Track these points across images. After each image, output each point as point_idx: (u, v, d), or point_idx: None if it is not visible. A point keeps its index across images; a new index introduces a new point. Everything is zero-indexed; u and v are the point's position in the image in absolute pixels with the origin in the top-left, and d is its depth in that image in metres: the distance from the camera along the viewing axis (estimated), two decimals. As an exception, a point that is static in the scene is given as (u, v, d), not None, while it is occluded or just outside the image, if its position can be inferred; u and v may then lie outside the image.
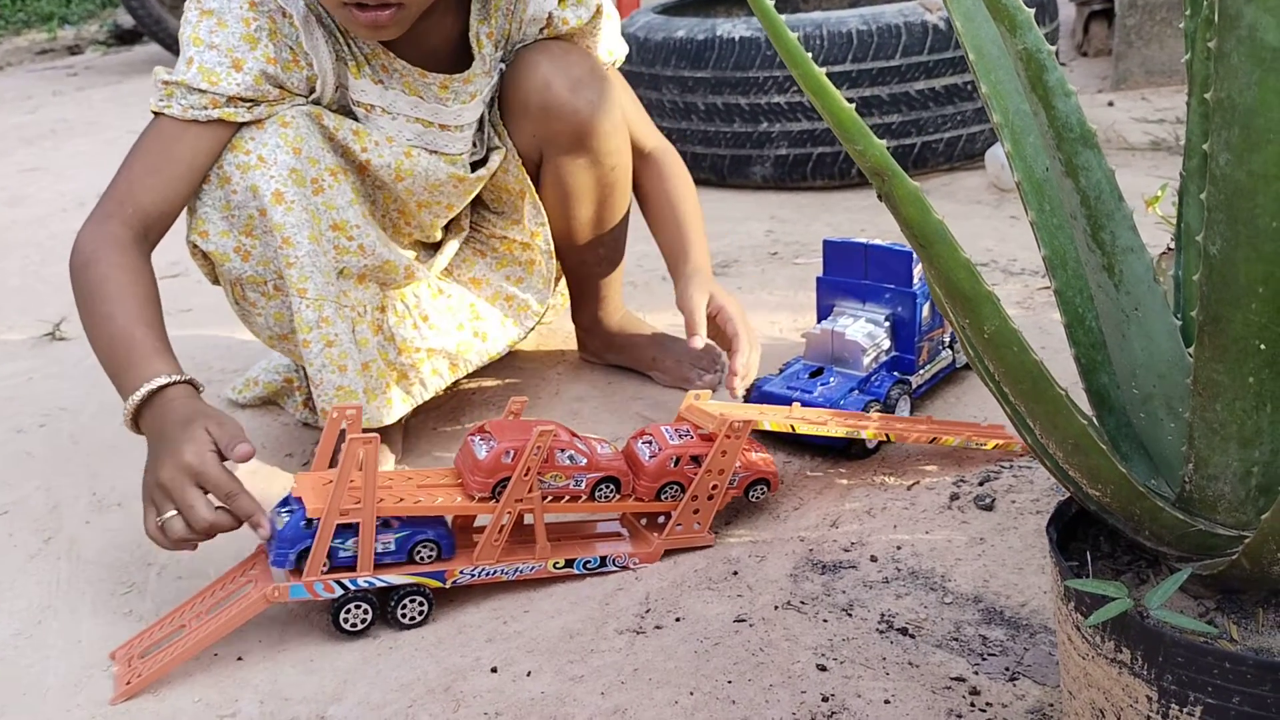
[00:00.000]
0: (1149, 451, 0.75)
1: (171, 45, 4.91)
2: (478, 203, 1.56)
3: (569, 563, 1.17)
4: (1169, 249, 1.34)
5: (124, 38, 6.13)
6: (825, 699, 0.96)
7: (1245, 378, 0.63)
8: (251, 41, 1.27)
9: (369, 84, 1.35)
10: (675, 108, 2.50)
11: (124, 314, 1.23)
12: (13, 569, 1.28)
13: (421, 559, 1.13)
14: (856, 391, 1.37)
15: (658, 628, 1.08)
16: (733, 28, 2.38)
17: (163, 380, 1.17)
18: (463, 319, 1.49)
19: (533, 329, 1.56)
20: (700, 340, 1.39)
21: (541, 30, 1.44)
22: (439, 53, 1.39)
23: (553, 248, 1.52)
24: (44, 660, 1.12)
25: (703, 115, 2.46)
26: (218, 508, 1.10)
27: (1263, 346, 0.61)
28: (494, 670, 1.04)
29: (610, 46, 1.51)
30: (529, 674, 1.03)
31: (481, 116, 1.46)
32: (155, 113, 1.29)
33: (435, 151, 1.41)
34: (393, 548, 1.12)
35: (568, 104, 1.42)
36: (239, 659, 1.09)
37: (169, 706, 1.03)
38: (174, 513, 1.10)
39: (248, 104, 1.28)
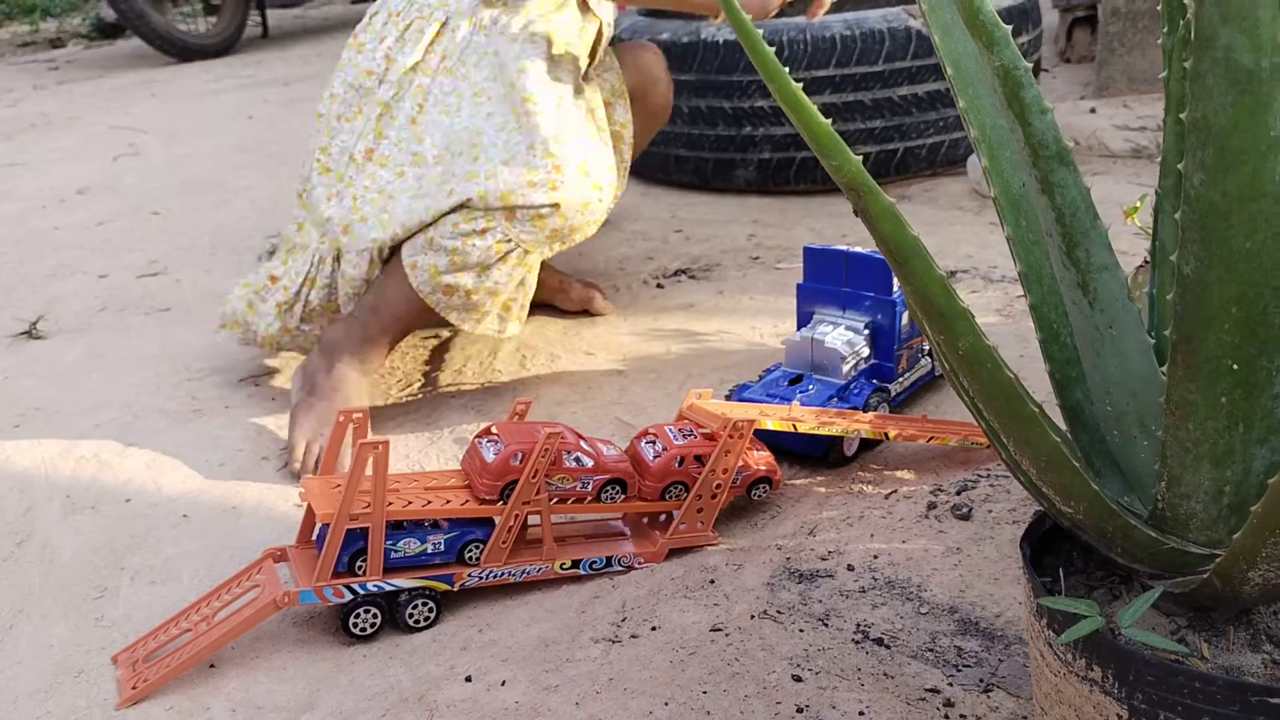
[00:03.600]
0: (1122, 468, 0.75)
1: (154, 40, 4.88)
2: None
3: (575, 563, 1.17)
4: (1146, 261, 1.35)
5: (106, 31, 6.09)
6: (800, 710, 0.95)
7: (1218, 397, 0.63)
8: None
9: None
10: (659, 110, 2.49)
11: None
12: (-16, 572, 1.27)
13: (471, 559, 1.13)
14: (836, 399, 1.37)
15: (634, 637, 1.08)
16: (717, 31, 2.38)
17: None
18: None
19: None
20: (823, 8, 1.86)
21: None
22: None
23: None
24: (15, 666, 1.11)
25: (686, 118, 2.45)
26: None
27: (1235, 367, 0.61)
28: (468, 679, 1.03)
29: None
30: (503, 683, 1.02)
31: None
32: None
33: None
34: (442, 548, 1.12)
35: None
36: (211, 666, 1.08)
37: (140, 713, 1.03)
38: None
39: None
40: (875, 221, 0.65)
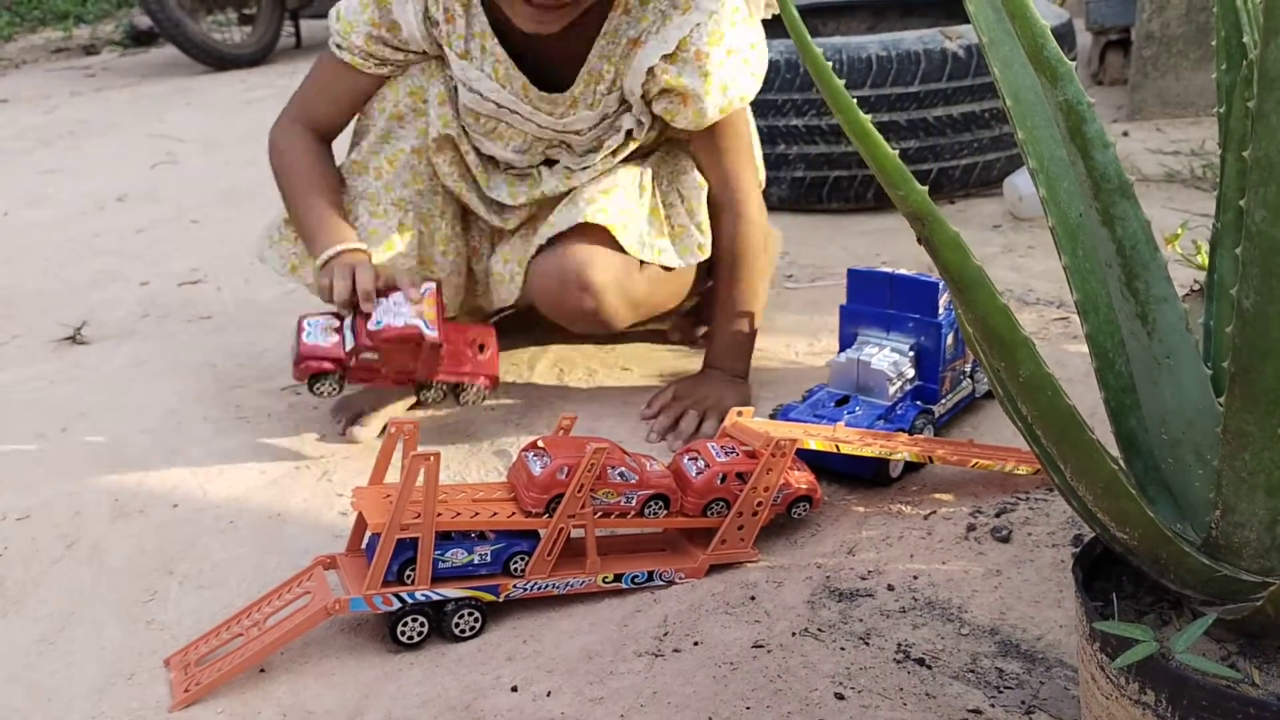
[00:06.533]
0: (1175, 496, 0.76)
1: (189, 49, 4.94)
2: None
3: (617, 577, 1.19)
4: (1192, 291, 1.36)
5: (140, 39, 6.17)
6: (843, 727, 0.97)
7: (1274, 428, 0.64)
8: (363, 5, 1.52)
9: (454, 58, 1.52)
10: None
11: (316, 193, 1.55)
12: (36, 574, 1.30)
13: (516, 571, 1.15)
14: (882, 420, 1.38)
15: (676, 651, 1.09)
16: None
17: (340, 247, 1.49)
18: None
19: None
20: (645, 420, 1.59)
21: (644, 84, 1.49)
22: (552, 67, 1.52)
23: None
24: (67, 667, 1.13)
25: (721, 136, 2.47)
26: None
27: (1293, 399, 0.62)
28: (514, 689, 1.05)
29: (736, 93, 1.51)
30: (549, 694, 1.04)
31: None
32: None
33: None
34: (488, 559, 1.14)
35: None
36: (262, 670, 1.10)
37: (192, 716, 1.05)
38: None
39: (376, 60, 1.54)
40: (939, 250, 0.66)
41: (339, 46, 1.54)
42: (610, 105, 1.53)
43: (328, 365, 1.44)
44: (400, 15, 1.50)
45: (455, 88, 1.55)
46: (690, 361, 1.77)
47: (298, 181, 1.57)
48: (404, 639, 1.11)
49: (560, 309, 1.53)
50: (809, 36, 0.65)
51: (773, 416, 1.44)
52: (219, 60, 5.04)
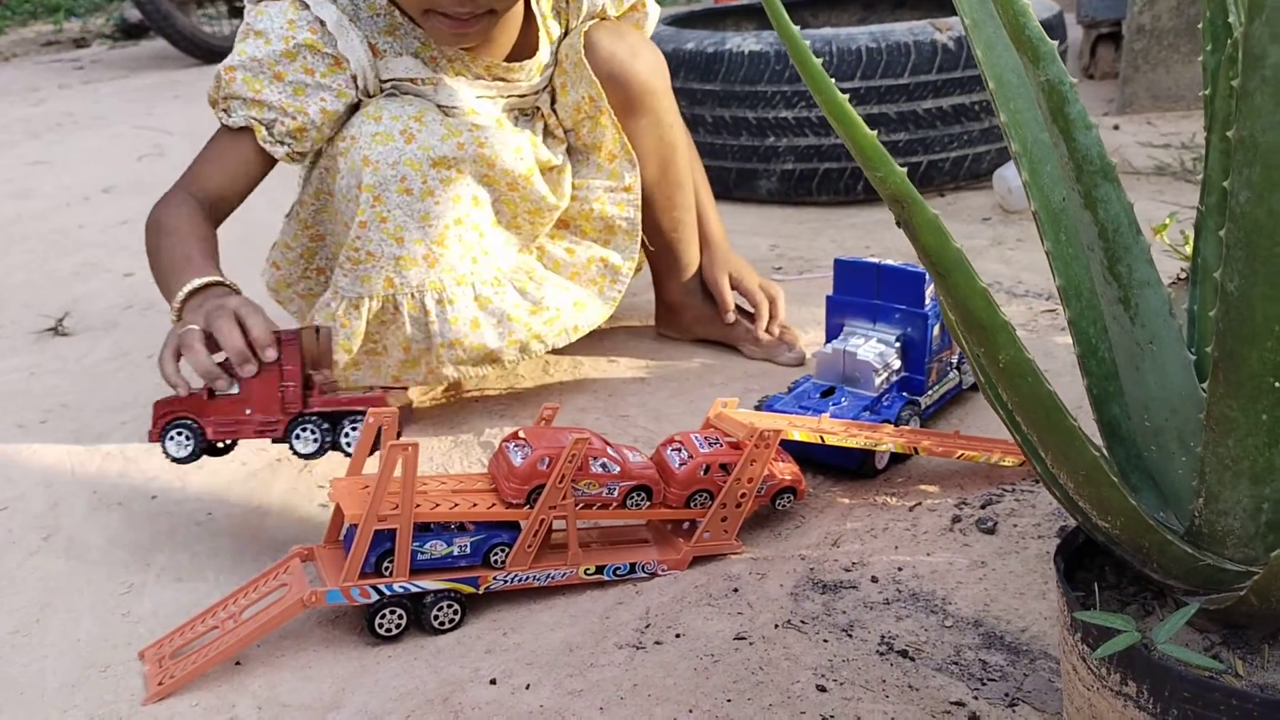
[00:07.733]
0: (1158, 484, 0.75)
1: (178, 42, 4.92)
2: None
3: (599, 569, 1.17)
4: (1178, 279, 1.35)
5: (130, 32, 6.14)
6: (825, 720, 0.96)
7: (1259, 415, 0.63)
8: (291, 56, 1.41)
9: (410, 60, 1.45)
10: (683, 119, 2.50)
11: (182, 241, 1.36)
12: (11, 566, 1.28)
13: (497, 562, 1.14)
14: (868, 412, 1.37)
15: (657, 643, 1.08)
16: (742, 41, 2.39)
17: (204, 280, 1.27)
18: None
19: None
20: (731, 315, 1.72)
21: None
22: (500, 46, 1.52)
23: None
24: (42, 660, 1.12)
25: (710, 128, 2.46)
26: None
27: (1277, 384, 0.61)
28: (493, 682, 1.04)
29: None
30: (528, 687, 1.03)
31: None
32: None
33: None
34: (468, 551, 1.13)
35: (630, 68, 1.57)
36: (237, 663, 1.09)
37: (167, 709, 1.03)
38: (194, 327, 1.17)
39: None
40: (918, 234, 0.65)
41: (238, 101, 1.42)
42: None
43: (177, 413, 1.18)
44: (347, 49, 1.40)
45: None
46: (677, 350, 1.75)
47: (164, 237, 1.38)
48: (382, 631, 1.10)
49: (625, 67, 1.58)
50: (787, 18, 0.64)
51: (758, 407, 1.43)
52: (208, 53, 5.02)
